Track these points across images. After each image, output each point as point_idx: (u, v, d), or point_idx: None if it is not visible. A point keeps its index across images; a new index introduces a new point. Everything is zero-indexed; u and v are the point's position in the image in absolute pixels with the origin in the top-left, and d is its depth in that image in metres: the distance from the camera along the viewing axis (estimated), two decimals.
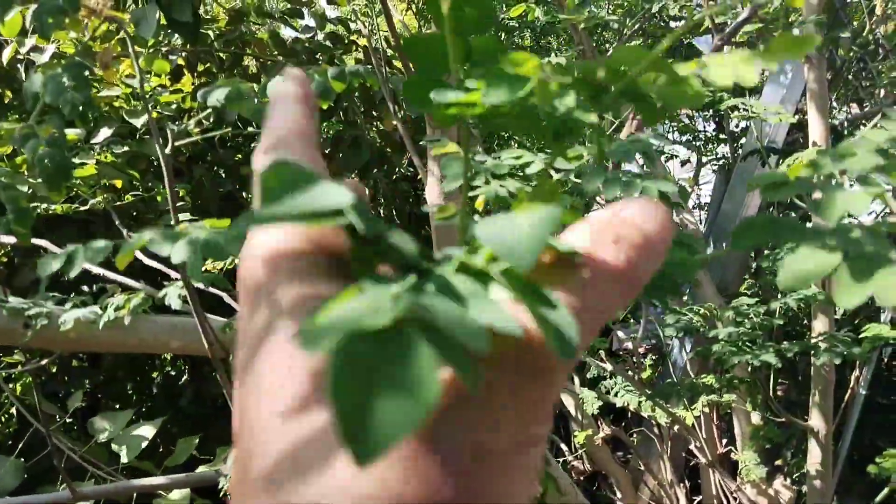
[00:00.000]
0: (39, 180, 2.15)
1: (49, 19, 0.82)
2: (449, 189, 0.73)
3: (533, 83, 0.34)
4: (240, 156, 3.42)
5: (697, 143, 3.27)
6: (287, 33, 3.55)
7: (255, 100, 0.92)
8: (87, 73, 0.89)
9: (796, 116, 2.17)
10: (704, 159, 3.42)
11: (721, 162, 3.38)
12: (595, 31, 2.33)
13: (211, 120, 2.79)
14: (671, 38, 0.34)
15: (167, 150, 1.02)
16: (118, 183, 2.44)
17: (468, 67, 0.39)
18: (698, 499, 2.69)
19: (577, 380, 2.46)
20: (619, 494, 2.67)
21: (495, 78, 0.34)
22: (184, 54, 3.05)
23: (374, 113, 3.41)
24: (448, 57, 0.39)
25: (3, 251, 2.67)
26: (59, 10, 0.82)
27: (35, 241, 1.62)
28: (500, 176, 0.78)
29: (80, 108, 0.86)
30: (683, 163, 3.57)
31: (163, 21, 2.38)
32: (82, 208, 1.83)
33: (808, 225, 0.35)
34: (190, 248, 0.48)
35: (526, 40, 2.68)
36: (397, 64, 2.83)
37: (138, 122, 2.65)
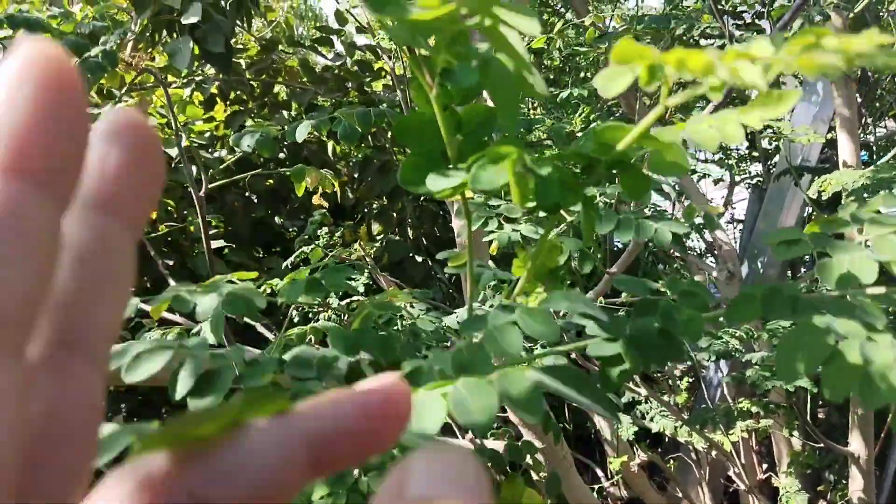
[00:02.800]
0: None
1: (89, 75, 0.84)
2: (461, 240, 0.74)
3: (510, 179, 0.34)
4: (271, 181, 3.47)
5: (730, 162, 3.23)
6: (317, 60, 3.61)
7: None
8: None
9: (829, 135, 2.14)
10: (738, 178, 3.38)
11: (755, 180, 3.33)
12: None
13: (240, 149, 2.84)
14: (651, 118, 0.33)
15: (201, 193, 1.04)
16: (153, 215, 2.49)
17: (461, 139, 0.40)
18: None
19: (621, 404, 2.42)
20: None
21: (481, 168, 0.34)
22: (216, 83, 3.12)
23: (398, 172, 3.43)
24: (437, 136, 0.39)
25: None
26: (98, 66, 0.85)
27: None
28: (513, 219, 0.78)
29: None
30: (716, 181, 3.53)
31: (196, 51, 2.44)
32: None
33: (807, 294, 0.35)
34: (210, 308, 0.50)
35: (555, 61, 2.69)
36: None
37: (172, 152, 2.70)
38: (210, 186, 1.05)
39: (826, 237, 0.40)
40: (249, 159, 3.32)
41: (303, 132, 0.96)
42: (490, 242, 0.75)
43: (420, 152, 0.38)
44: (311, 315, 2.06)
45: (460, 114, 0.38)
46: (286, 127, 1.00)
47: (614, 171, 0.33)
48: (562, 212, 0.57)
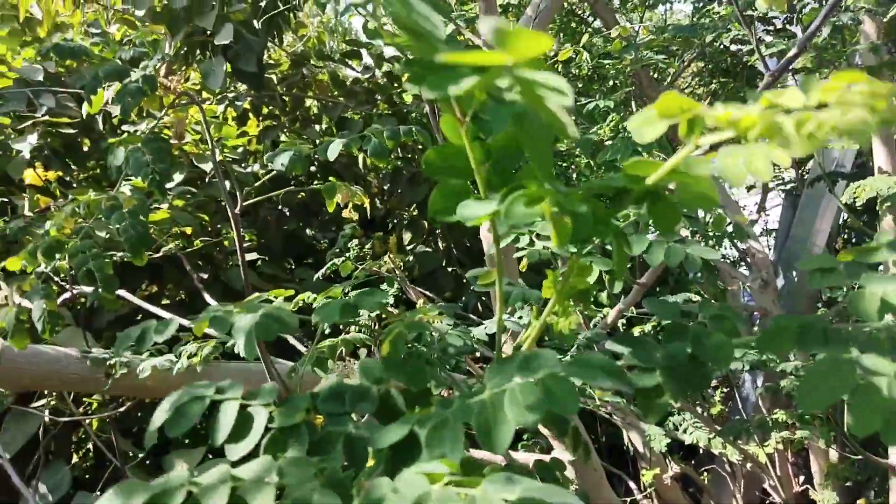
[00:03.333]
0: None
1: (129, 99, 0.88)
2: (492, 253, 0.74)
3: (544, 216, 0.34)
4: (303, 195, 3.51)
5: None
6: (347, 73, 3.66)
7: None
8: (164, 147, 0.96)
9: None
10: (771, 184, 3.34)
11: (788, 187, 3.29)
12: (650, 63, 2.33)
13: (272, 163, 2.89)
14: (685, 151, 0.34)
15: (237, 210, 1.07)
16: (188, 230, 2.54)
17: (489, 168, 0.41)
18: None
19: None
20: None
21: (514, 203, 0.35)
22: (249, 98, 3.18)
23: (429, 202, 3.45)
24: (467, 167, 0.40)
25: (80, 305, 2.79)
26: (138, 91, 0.88)
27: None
28: (545, 237, 0.79)
29: (159, 179, 0.92)
30: (749, 188, 3.49)
31: (228, 69, 2.49)
32: (156, 255, 1.92)
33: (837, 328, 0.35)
34: (244, 329, 0.52)
35: (583, 70, 2.70)
36: None
37: (207, 167, 2.76)
38: (245, 203, 1.08)
39: (860, 266, 0.40)
40: (282, 174, 3.37)
41: (335, 151, 0.98)
42: (520, 259, 0.75)
43: (449, 183, 0.39)
44: (341, 327, 2.08)
45: (489, 144, 0.39)
46: (319, 144, 1.03)
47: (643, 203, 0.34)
48: None
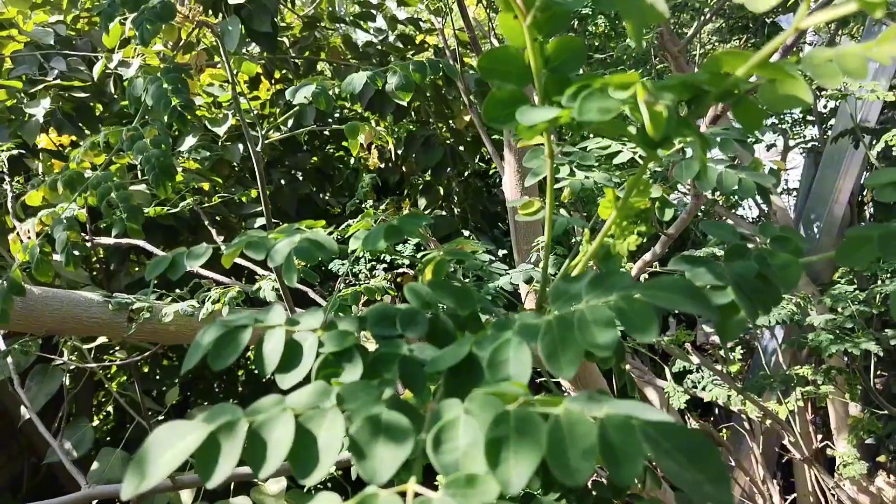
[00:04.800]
0: (133, 187, 2.25)
1: (147, 26, 0.85)
2: (531, 183, 0.72)
3: (635, 104, 0.32)
4: (315, 159, 3.49)
5: (784, 126, 3.13)
6: (359, 36, 3.60)
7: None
8: (184, 77, 0.93)
9: (893, 92, 2.06)
10: (792, 142, 3.28)
11: (810, 145, 3.23)
12: (673, 14, 2.28)
13: (290, 124, 2.87)
14: (780, 39, 0.32)
15: (258, 148, 1.05)
16: (205, 186, 2.53)
17: (547, 75, 0.38)
18: (792, 496, 2.58)
19: (668, 373, 2.40)
20: None
21: (588, 98, 0.33)
22: (261, 62, 3.14)
23: (445, 112, 3.42)
24: (525, 70, 0.38)
25: (97, 258, 2.80)
26: (156, 17, 0.86)
27: (132, 241, 1.70)
28: (585, 167, 0.76)
29: (180, 110, 0.89)
30: (769, 147, 3.44)
31: (242, 31, 2.45)
32: (172, 211, 1.91)
33: None
34: (284, 252, 0.50)
35: (599, 27, 2.64)
36: (468, 61, 2.83)
37: (220, 130, 2.74)
38: (269, 140, 1.05)
39: None
40: (295, 138, 3.35)
41: (359, 82, 0.96)
42: (560, 190, 0.73)
43: (505, 88, 0.37)
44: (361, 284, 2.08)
45: (548, 47, 0.37)
46: (332, 106, 1.01)
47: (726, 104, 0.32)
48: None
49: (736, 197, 2.07)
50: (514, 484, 0.27)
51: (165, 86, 0.92)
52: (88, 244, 1.54)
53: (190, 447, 0.30)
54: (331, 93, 1.09)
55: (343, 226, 2.06)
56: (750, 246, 0.42)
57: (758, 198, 2.68)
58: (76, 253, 0.91)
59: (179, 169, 2.54)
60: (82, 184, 0.93)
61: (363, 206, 2.15)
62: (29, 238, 0.98)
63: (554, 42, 0.38)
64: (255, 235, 0.51)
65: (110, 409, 3.27)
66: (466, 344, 0.37)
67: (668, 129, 0.29)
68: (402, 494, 0.28)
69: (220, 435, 0.30)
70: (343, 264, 1.90)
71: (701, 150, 0.34)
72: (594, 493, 0.51)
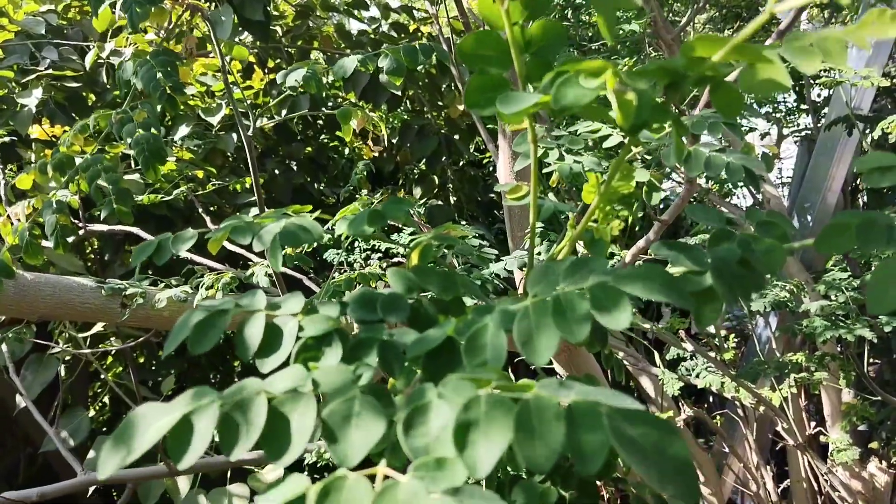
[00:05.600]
0: (126, 176, 2.24)
1: (137, 9, 0.85)
2: (520, 167, 0.72)
3: (608, 92, 0.32)
4: (309, 149, 3.48)
5: (777, 115, 3.13)
6: (353, 25, 3.59)
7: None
8: (174, 60, 0.92)
9: (887, 79, 2.06)
10: (786, 131, 3.28)
11: (803, 134, 3.23)
12: (666, 2, 2.27)
13: (283, 113, 2.86)
14: (757, 23, 0.31)
15: (249, 133, 1.04)
16: (199, 173, 2.53)
17: (529, 59, 0.38)
18: (786, 482, 2.60)
19: (658, 360, 2.40)
20: (701, 478, 2.61)
21: (565, 85, 0.33)
22: (254, 52, 3.12)
23: (439, 102, 3.41)
24: (505, 55, 0.38)
25: (92, 248, 2.80)
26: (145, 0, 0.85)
27: (125, 228, 1.69)
28: (574, 151, 0.76)
29: (170, 94, 0.89)
30: (763, 136, 3.43)
31: (235, 21, 2.44)
32: (166, 198, 1.91)
33: None
34: (270, 237, 0.50)
35: (594, 16, 2.63)
36: None
37: (214, 120, 2.73)
38: (262, 126, 1.05)
39: None
40: (290, 128, 3.34)
41: (350, 66, 0.96)
42: (549, 174, 0.73)
43: (486, 73, 0.37)
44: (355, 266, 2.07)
45: (529, 31, 0.36)
46: (326, 95, 1.00)
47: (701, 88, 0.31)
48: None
49: (729, 185, 2.07)
50: (482, 467, 0.27)
51: (155, 69, 0.91)
52: (82, 232, 1.53)
53: (164, 428, 0.30)
54: (323, 79, 1.09)
55: (338, 215, 2.06)
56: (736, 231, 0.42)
57: (751, 186, 2.68)
58: (66, 237, 0.91)
59: (173, 158, 2.53)
60: (72, 167, 0.93)
61: (357, 194, 2.14)
62: (19, 221, 0.97)
63: (535, 25, 0.37)
64: (242, 220, 0.51)
65: (106, 399, 3.27)
66: (445, 329, 0.37)
67: (640, 116, 0.29)
68: (372, 477, 0.28)
69: (194, 416, 0.30)
70: (338, 253, 1.90)
71: (677, 135, 0.33)
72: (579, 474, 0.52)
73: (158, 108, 0.95)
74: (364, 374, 0.34)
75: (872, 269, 1.66)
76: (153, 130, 0.89)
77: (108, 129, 0.93)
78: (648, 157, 1.14)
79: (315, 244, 1.11)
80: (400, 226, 2.04)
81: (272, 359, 0.39)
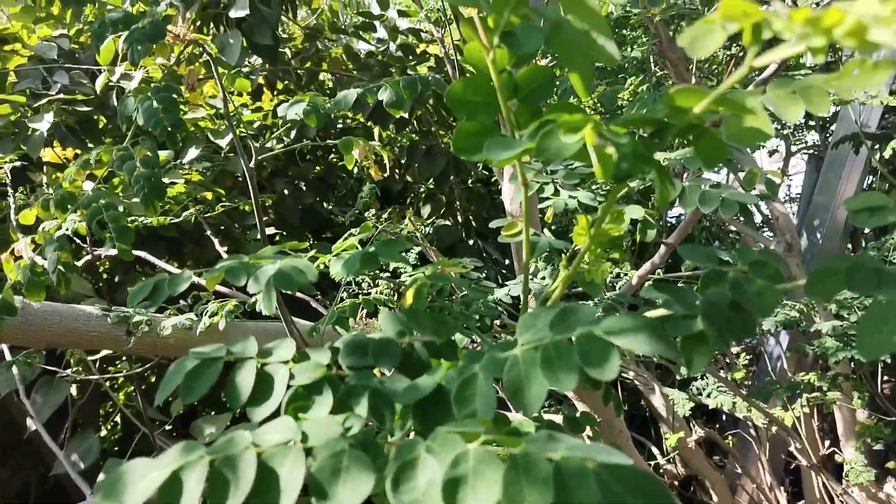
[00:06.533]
0: (134, 199, 2.26)
1: (138, 46, 0.86)
2: (515, 204, 0.72)
3: (588, 144, 0.32)
4: (318, 168, 3.50)
5: (786, 132, 3.12)
6: (361, 47, 3.62)
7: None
8: (174, 96, 0.93)
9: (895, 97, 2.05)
10: (794, 148, 3.26)
11: (811, 150, 3.22)
12: (672, 21, 2.27)
13: (292, 135, 2.88)
14: (736, 76, 0.32)
15: (251, 164, 1.05)
16: (208, 195, 2.54)
17: (516, 104, 0.38)
18: (800, 503, 2.57)
19: (676, 380, 2.39)
20: (714, 499, 2.58)
21: (547, 137, 0.33)
22: (263, 74, 3.15)
23: (447, 121, 3.43)
24: (493, 100, 0.38)
25: (104, 268, 2.82)
26: (146, 37, 0.86)
27: (135, 252, 1.71)
28: (570, 185, 0.76)
29: (170, 130, 0.90)
30: (771, 153, 3.42)
31: (243, 44, 2.46)
32: (175, 221, 1.92)
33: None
34: (262, 280, 0.50)
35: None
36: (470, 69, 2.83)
37: (223, 142, 2.75)
38: (260, 158, 1.06)
39: None
40: (297, 149, 3.37)
41: (351, 98, 0.96)
42: (543, 212, 0.73)
43: (474, 119, 0.37)
44: (361, 295, 2.08)
45: (516, 77, 0.37)
46: (334, 117, 1.01)
47: (687, 138, 0.32)
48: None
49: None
50: None
51: (156, 105, 0.92)
52: (89, 256, 1.54)
53: (153, 485, 0.30)
54: (328, 106, 1.09)
55: (344, 236, 2.07)
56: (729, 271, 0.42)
57: (756, 205, 2.66)
58: (67, 273, 0.92)
59: (182, 181, 2.55)
60: (73, 203, 0.94)
61: (364, 216, 2.15)
62: (21, 258, 0.98)
63: (523, 71, 0.38)
64: (235, 261, 0.51)
65: (118, 419, 3.28)
66: (435, 377, 0.37)
67: (621, 169, 0.29)
68: None
69: (183, 473, 0.31)
70: (346, 274, 1.90)
71: (660, 182, 0.33)
72: None
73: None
74: (354, 426, 0.34)
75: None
76: (153, 166, 0.90)
77: (110, 165, 0.94)
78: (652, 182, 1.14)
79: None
80: (409, 246, 2.04)
81: (263, 408, 0.39)
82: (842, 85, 0.29)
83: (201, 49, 1.13)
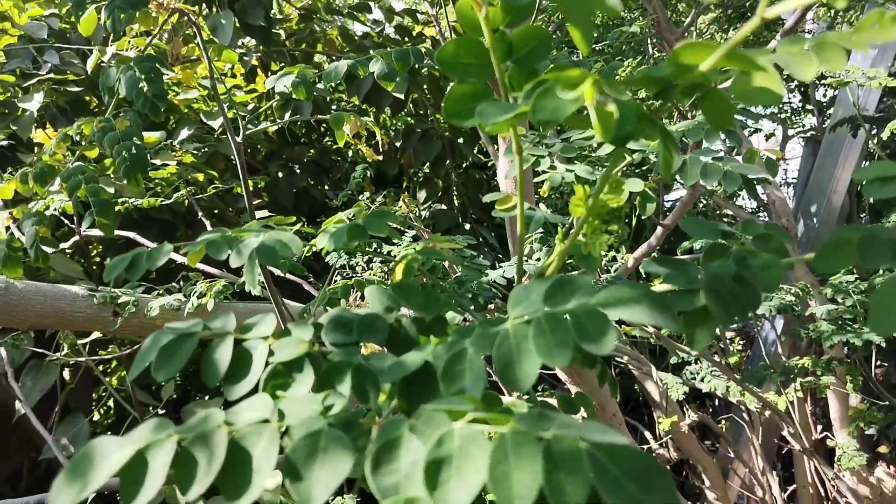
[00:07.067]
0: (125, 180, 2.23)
1: (120, 14, 0.83)
2: (510, 177, 0.69)
3: (587, 104, 0.30)
4: (312, 151, 3.47)
5: (782, 116, 3.10)
6: (356, 29, 3.58)
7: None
8: (158, 66, 0.91)
9: (894, 79, 2.02)
10: (791, 132, 3.24)
11: (808, 134, 3.20)
12: (670, 3, 2.24)
13: (287, 117, 2.85)
14: (746, 30, 0.29)
15: (239, 139, 1.03)
16: (200, 177, 2.52)
17: (511, 67, 0.36)
18: (792, 487, 2.57)
19: (669, 364, 2.38)
20: (707, 483, 2.58)
21: (543, 97, 0.31)
22: (257, 55, 3.11)
23: (443, 104, 3.40)
24: (486, 63, 0.36)
25: (96, 251, 2.79)
26: (128, 4, 0.83)
27: (124, 233, 1.68)
28: (566, 159, 0.74)
29: (153, 101, 0.87)
30: (768, 137, 3.40)
31: (236, 24, 2.43)
32: (167, 202, 1.90)
33: None
34: (245, 254, 0.48)
35: (597, 17, 2.60)
36: None
37: (215, 124, 2.72)
38: (250, 132, 1.03)
39: None
40: (293, 131, 3.33)
41: (342, 69, 0.94)
42: (537, 187, 0.71)
43: (466, 82, 0.35)
44: (354, 277, 2.05)
45: (511, 37, 0.34)
46: (329, 99, 0.99)
47: (692, 98, 0.29)
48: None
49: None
50: None
51: (138, 74, 0.90)
52: (77, 237, 1.52)
53: (116, 465, 0.28)
54: (326, 84, 1.07)
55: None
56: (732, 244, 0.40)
57: (752, 191, 2.65)
58: (45, 248, 0.89)
59: (174, 162, 2.52)
60: (53, 177, 0.91)
61: (357, 197, 2.13)
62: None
63: (517, 31, 0.35)
64: (217, 234, 0.49)
65: (111, 403, 3.27)
66: (423, 353, 0.35)
67: (622, 129, 0.27)
68: None
69: (149, 452, 0.29)
70: (340, 256, 1.88)
71: (665, 148, 0.31)
72: None
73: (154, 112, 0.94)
74: (336, 404, 0.32)
75: (879, 277, 1.63)
76: (135, 138, 0.87)
77: (91, 136, 0.92)
78: (653, 158, 1.12)
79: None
80: (403, 229, 2.02)
81: (240, 386, 0.37)
82: (860, 39, 0.27)
83: (186, 18, 1.10)
